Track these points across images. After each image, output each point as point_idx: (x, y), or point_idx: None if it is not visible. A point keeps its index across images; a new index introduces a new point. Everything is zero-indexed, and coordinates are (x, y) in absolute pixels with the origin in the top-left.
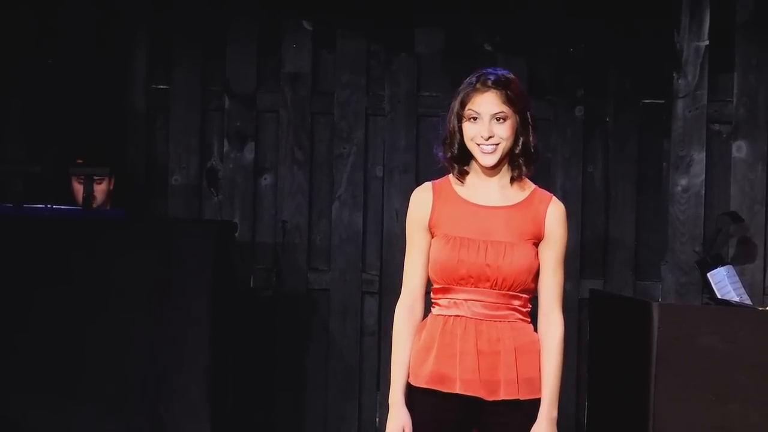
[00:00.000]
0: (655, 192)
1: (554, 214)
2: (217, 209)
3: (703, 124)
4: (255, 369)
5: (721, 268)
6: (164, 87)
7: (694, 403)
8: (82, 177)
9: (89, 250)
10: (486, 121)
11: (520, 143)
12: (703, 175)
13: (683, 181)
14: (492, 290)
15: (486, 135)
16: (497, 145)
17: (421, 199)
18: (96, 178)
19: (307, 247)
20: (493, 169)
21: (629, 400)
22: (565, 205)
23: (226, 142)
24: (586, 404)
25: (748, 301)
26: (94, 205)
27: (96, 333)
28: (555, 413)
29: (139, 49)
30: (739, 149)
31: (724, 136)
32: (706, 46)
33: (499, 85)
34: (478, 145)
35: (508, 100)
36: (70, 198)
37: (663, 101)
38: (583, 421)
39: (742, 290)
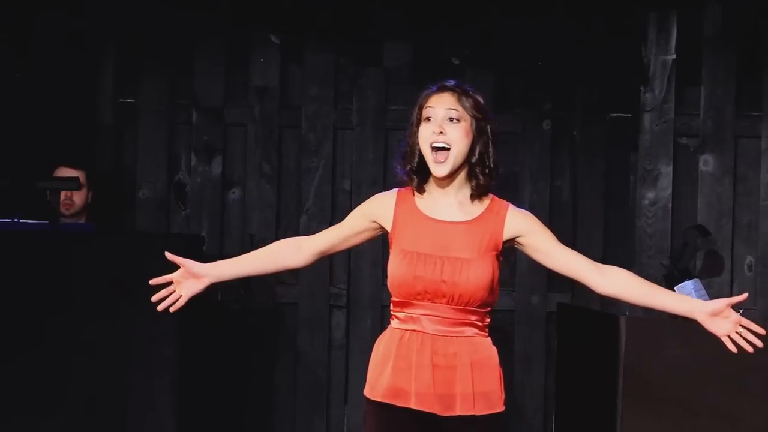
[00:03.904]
0: (622, 205)
1: (514, 216)
2: (184, 223)
3: (670, 137)
4: (223, 382)
5: (689, 281)
6: (132, 101)
7: (661, 415)
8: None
9: (58, 264)
10: (439, 119)
11: (477, 153)
12: (670, 189)
13: (650, 195)
14: (448, 306)
15: (437, 130)
16: (448, 151)
17: (383, 203)
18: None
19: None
20: (448, 180)
21: (597, 413)
22: None
23: (193, 156)
24: (554, 417)
25: None
26: (71, 211)
27: (61, 347)
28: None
29: (107, 63)
30: (706, 163)
31: (692, 149)
32: (673, 59)
33: (456, 88)
34: (432, 149)
35: (463, 103)
36: (38, 211)
37: (630, 115)
38: None
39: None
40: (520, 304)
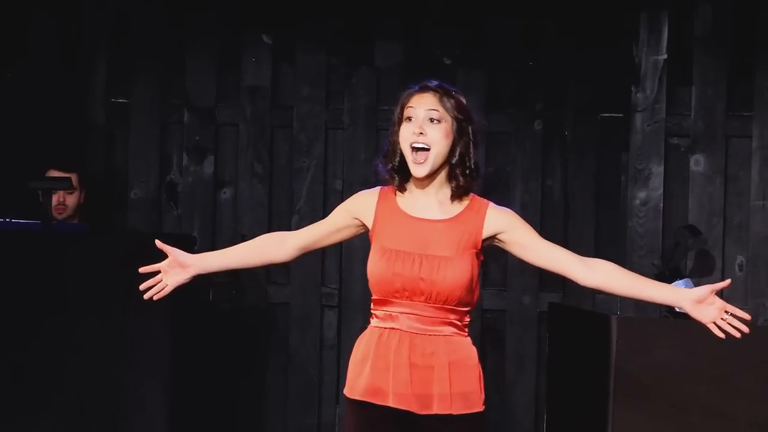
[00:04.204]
0: (613, 205)
1: (494, 213)
2: (176, 223)
3: (661, 137)
4: (215, 382)
5: (680, 281)
6: (124, 101)
7: (653, 415)
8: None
9: (51, 264)
10: (419, 119)
11: (457, 154)
12: (662, 189)
13: (642, 195)
14: (426, 304)
15: (417, 131)
16: (428, 152)
17: (366, 200)
18: (68, 191)
19: None
20: (428, 179)
21: (589, 413)
22: (523, 218)
23: (185, 156)
24: (545, 417)
25: None
26: (64, 215)
27: (54, 347)
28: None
29: (99, 63)
30: (697, 163)
31: (683, 149)
32: (665, 59)
33: (438, 89)
34: (413, 149)
35: (445, 104)
36: (31, 212)
37: (621, 115)
38: None
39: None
40: (511, 304)
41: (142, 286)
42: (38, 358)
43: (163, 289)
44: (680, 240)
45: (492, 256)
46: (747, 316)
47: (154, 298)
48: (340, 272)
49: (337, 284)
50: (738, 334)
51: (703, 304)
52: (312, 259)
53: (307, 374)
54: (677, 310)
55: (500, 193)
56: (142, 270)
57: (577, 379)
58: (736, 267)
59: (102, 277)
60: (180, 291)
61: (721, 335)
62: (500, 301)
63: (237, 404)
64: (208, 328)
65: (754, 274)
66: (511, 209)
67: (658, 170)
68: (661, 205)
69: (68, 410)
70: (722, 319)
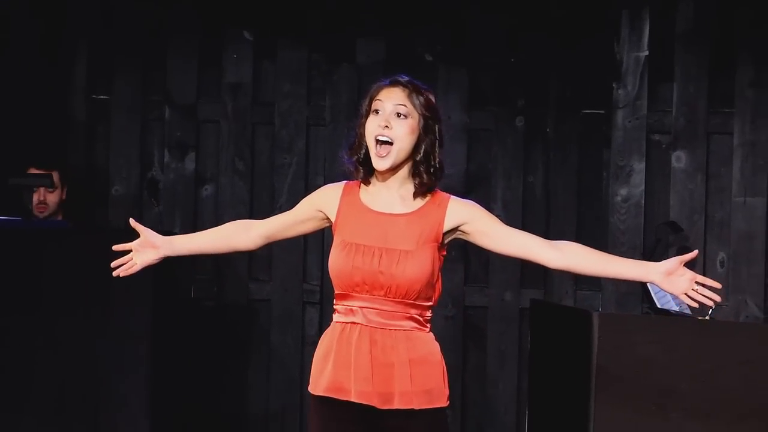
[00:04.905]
0: (595, 202)
1: (456, 205)
2: (157, 219)
3: (642, 134)
4: (196, 378)
5: None
6: (105, 97)
7: (634, 412)
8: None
9: (31, 261)
10: (386, 112)
11: (422, 151)
12: (643, 185)
13: (623, 191)
14: (386, 298)
15: (383, 124)
16: (391, 146)
17: (330, 194)
18: (49, 190)
19: (248, 257)
20: (390, 173)
21: (570, 410)
22: (505, 214)
23: (166, 153)
24: (526, 413)
25: (687, 311)
26: (45, 214)
27: (35, 343)
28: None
29: (80, 60)
30: (679, 159)
31: (664, 146)
32: (646, 56)
33: (408, 84)
34: (377, 142)
35: (413, 100)
36: (11, 208)
37: (603, 111)
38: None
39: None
40: (493, 301)
41: (113, 264)
42: (18, 355)
43: (132, 267)
44: (661, 237)
45: (473, 252)
46: (718, 285)
47: (121, 275)
48: (322, 269)
49: (319, 281)
50: (711, 303)
51: (673, 276)
52: (294, 255)
53: (289, 371)
54: (659, 306)
55: (482, 189)
56: (115, 248)
57: (558, 376)
58: (718, 264)
59: (83, 273)
60: (161, 288)
61: (695, 305)
62: (482, 297)
63: (218, 401)
64: (190, 324)
65: (735, 270)
66: (493, 206)
67: (639, 167)
68: (643, 201)
69: (49, 408)
70: (693, 289)
